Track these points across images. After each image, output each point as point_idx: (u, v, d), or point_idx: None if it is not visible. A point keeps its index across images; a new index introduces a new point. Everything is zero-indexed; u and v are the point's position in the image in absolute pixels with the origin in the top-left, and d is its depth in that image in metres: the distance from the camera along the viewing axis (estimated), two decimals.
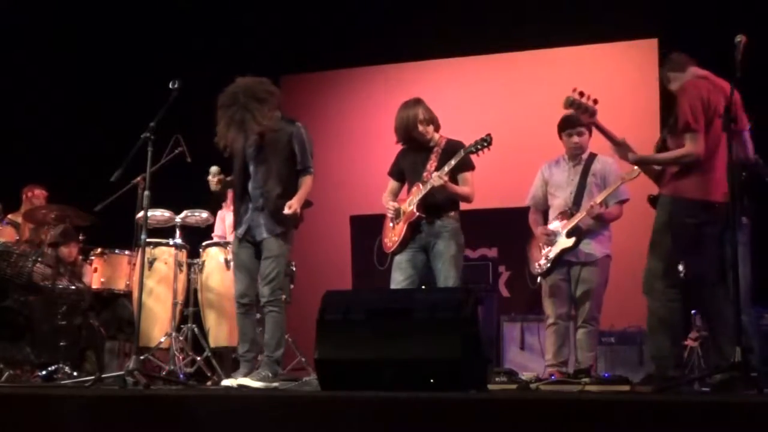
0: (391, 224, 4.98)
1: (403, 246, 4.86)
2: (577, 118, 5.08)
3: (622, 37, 7.49)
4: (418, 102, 4.94)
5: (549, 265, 5.05)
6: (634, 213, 6.55)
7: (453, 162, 4.72)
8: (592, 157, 5.18)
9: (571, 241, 4.97)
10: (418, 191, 4.84)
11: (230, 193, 6.36)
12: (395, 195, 5.09)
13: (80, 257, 6.34)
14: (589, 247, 5.01)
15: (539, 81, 7.58)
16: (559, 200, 5.15)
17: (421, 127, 4.87)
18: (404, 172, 5.05)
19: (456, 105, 7.64)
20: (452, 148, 4.87)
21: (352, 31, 7.90)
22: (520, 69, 7.83)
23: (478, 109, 7.62)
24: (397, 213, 4.93)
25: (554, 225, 5.10)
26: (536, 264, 5.13)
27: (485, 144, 4.74)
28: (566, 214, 5.06)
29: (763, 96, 5.09)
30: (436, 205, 4.81)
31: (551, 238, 5.05)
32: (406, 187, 5.07)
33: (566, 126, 5.15)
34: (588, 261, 5.00)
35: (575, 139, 5.12)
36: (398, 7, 7.68)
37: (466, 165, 4.84)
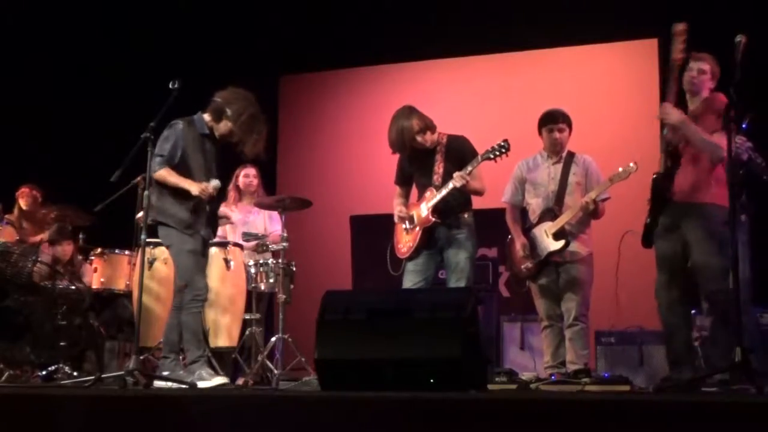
0: (404, 229, 4.95)
1: (418, 252, 4.84)
2: (560, 113, 5.11)
3: (622, 37, 7.49)
4: (411, 111, 4.83)
5: (536, 267, 5.06)
6: (633, 211, 6.55)
7: (470, 168, 4.68)
8: (571, 155, 5.17)
9: (560, 244, 4.97)
10: (432, 196, 4.80)
11: (232, 193, 6.36)
12: (405, 200, 5.07)
13: (79, 256, 6.34)
14: (574, 245, 5.01)
15: (539, 81, 7.58)
16: (539, 199, 5.14)
17: (419, 138, 4.81)
18: (411, 177, 5.02)
19: (456, 105, 7.64)
20: (456, 145, 4.85)
21: (352, 31, 7.90)
22: (520, 69, 7.83)
23: (477, 109, 7.62)
24: (411, 219, 4.90)
25: (541, 227, 5.07)
26: (522, 267, 5.13)
27: (503, 150, 4.68)
28: (550, 215, 5.06)
29: (763, 96, 5.09)
30: (450, 208, 4.79)
31: (530, 252, 5.05)
32: (415, 191, 5.05)
33: (547, 121, 5.16)
34: (574, 259, 5.01)
35: (556, 134, 5.12)
36: (398, 7, 7.68)
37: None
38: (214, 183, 4.72)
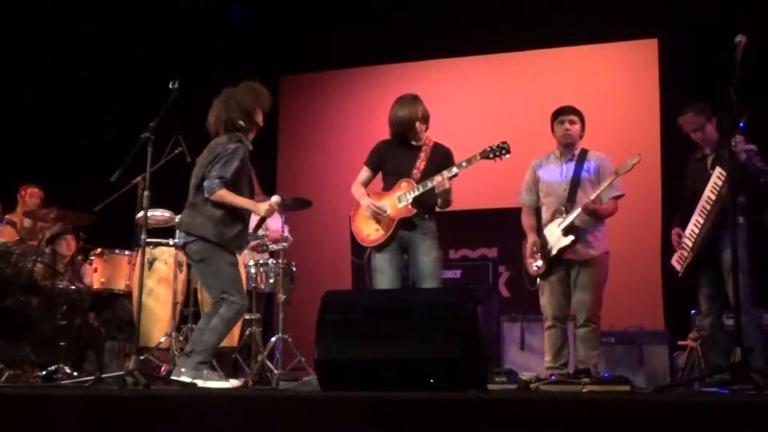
0: (371, 217, 4.86)
1: (388, 242, 4.81)
2: (572, 107, 5.11)
3: (622, 37, 7.49)
4: (417, 99, 4.93)
5: (547, 265, 5.05)
6: (634, 211, 6.55)
7: (465, 164, 4.72)
8: (584, 152, 5.15)
9: (569, 240, 4.94)
10: (411, 187, 4.79)
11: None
12: (366, 185, 5.01)
13: (80, 256, 6.34)
14: (588, 244, 4.98)
15: (539, 81, 7.59)
16: (552, 197, 5.12)
17: (418, 125, 4.87)
18: (383, 165, 4.98)
19: (456, 105, 7.64)
20: (442, 151, 4.89)
21: (352, 31, 7.90)
22: (520, 69, 7.84)
23: (478, 109, 7.63)
24: (382, 207, 4.83)
25: (552, 224, 5.05)
26: (534, 265, 5.12)
27: (503, 152, 4.73)
28: (561, 212, 5.04)
29: (763, 96, 5.09)
30: (426, 204, 4.80)
31: (540, 250, 5.04)
32: (380, 181, 5.01)
33: (559, 113, 5.16)
34: (587, 259, 4.98)
35: (566, 126, 5.10)
36: (398, 8, 7.68)
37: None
38: (275, 199, 4.69)
